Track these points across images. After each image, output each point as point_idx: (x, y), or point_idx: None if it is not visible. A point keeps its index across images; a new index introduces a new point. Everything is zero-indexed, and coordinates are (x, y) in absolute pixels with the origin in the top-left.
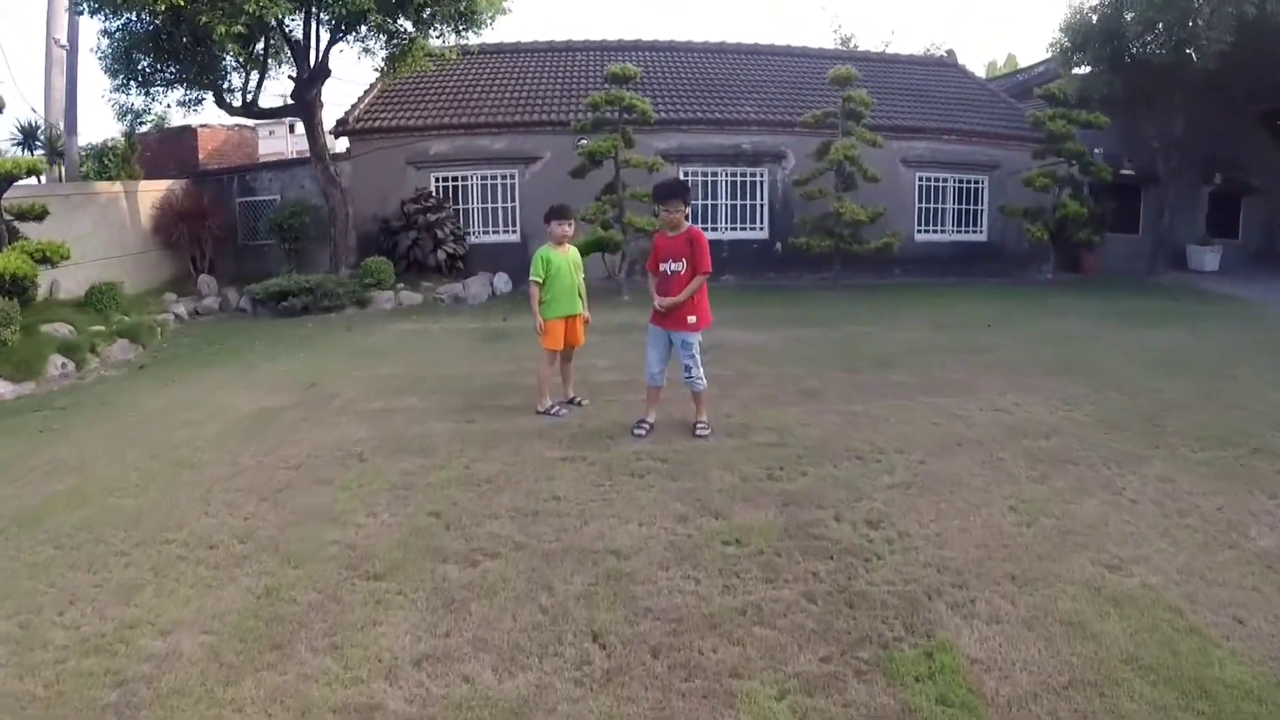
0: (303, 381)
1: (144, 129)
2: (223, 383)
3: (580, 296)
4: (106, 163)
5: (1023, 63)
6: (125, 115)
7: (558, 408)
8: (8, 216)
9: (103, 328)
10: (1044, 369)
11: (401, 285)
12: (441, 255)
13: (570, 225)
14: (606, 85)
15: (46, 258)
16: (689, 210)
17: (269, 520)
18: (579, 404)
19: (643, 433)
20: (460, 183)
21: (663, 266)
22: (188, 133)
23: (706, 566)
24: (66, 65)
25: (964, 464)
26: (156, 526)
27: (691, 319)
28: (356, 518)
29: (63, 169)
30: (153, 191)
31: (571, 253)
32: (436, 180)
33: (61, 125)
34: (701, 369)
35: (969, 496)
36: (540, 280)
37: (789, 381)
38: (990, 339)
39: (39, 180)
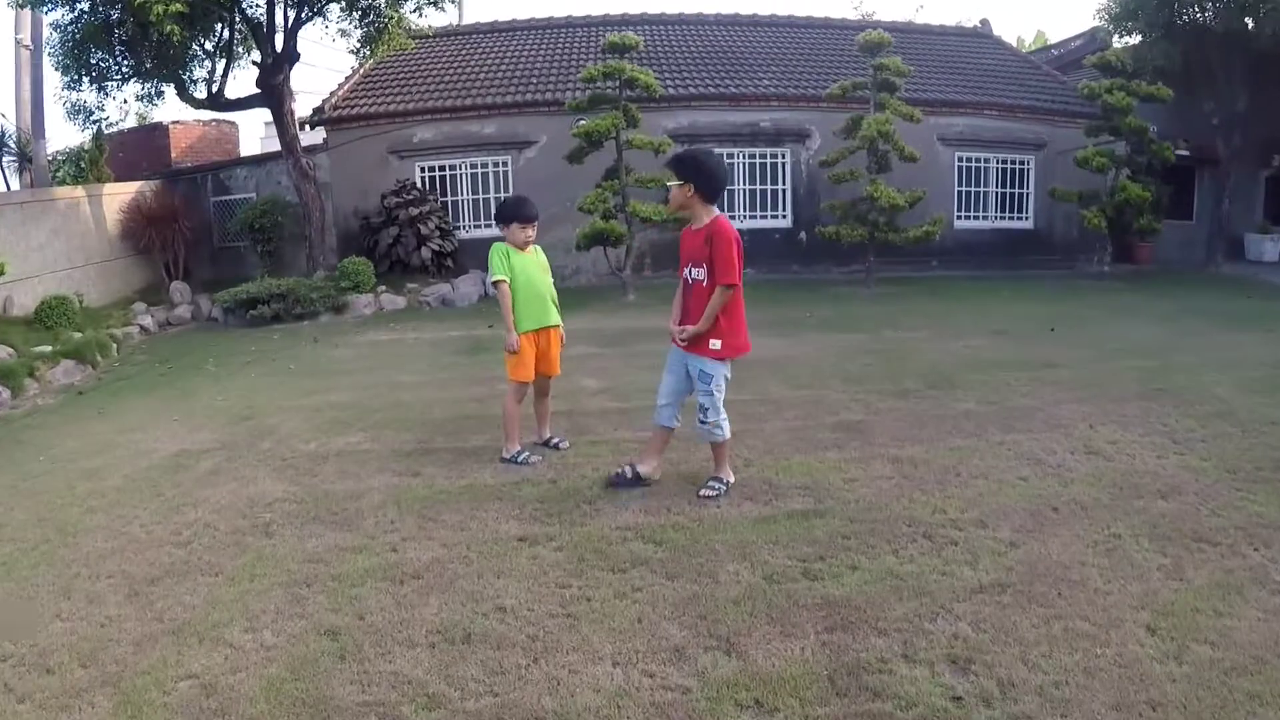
0: (238, 413)
1: (96, 128)
2: (153, 414)
3: (554, 304)
4: (83, 167)
5: (1053, 39)
6: (77, 114)
7: (528, 454)
8: None
9: (49, 348)
10: (1133, 390)
11: (383, 288)
12: (426, 253)
13: (533, 229)
14: (605, 57)
15: None
16: (699, 191)
17: (127, 630)
18: (556, 446)
19: (623, 476)
20: (448, 172)
21: (684, 272)
22: (159, 130)
23: None
24: (31, 66)
25: (1068, 544)
26: None
27: (714, 343)
28: (232, 633)
29: (30, 177)
30: (120, 194)
31: (538, 254)
32: (422, 170)
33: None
34: (723, 413)
35: (1087, 606)
36: (505, 278)
37: (824, 410)
38: (1058, 348)
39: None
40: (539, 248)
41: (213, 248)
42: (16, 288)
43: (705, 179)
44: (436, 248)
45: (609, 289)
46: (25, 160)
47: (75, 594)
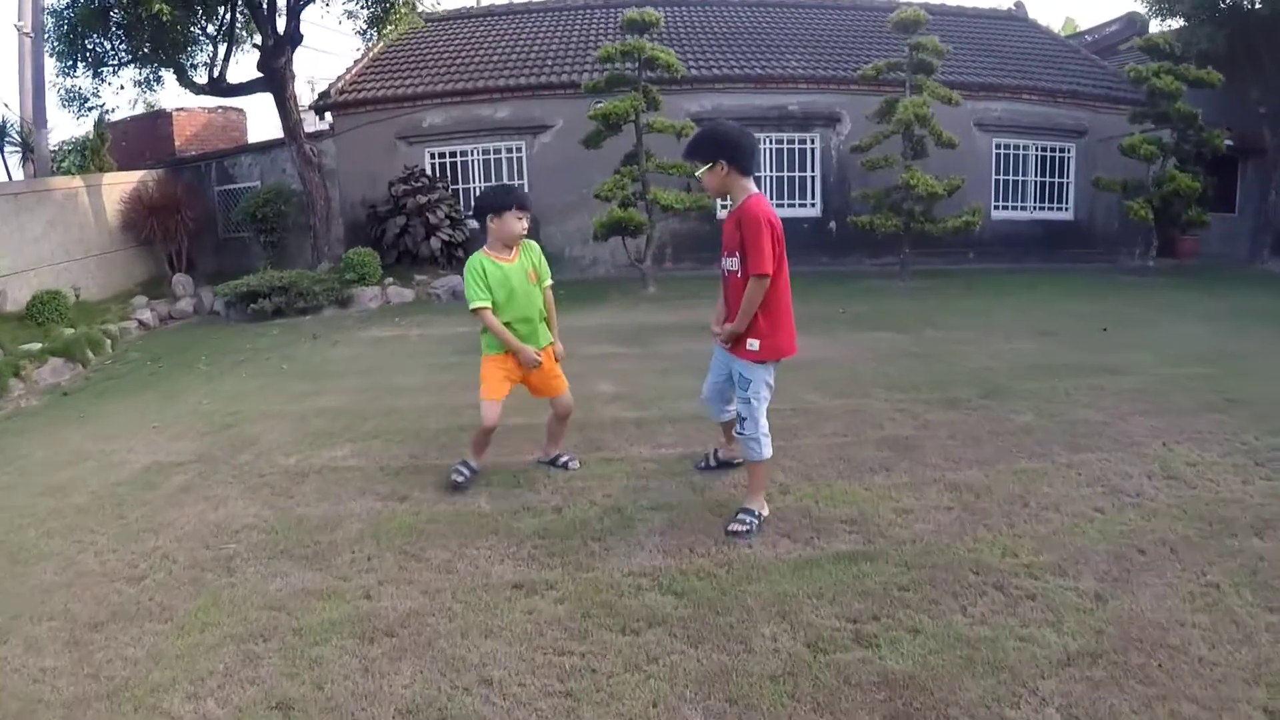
0: (220, 420)
1: (98, 117)
2: (133, 420)
3: (544, 320)
4: (86, 157)
5: (1082, 26)
6: (71, 101)
7: (467, 473)
8: None
9: (37, 345)
10: (1201, 401)
11: (390, 280)
12: (435, 243)
13: (524, 221)
14: (623, 36)
15: None
16: (733, 166)
17: (60, 689)
18: (565, 466)
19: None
20: (460, 159)
21: (723, 261)
22: (163, 118)
23: None
24: (33, 53)
25: (1161, 597)
26: None
27: (751, 343)
28: (172, 700)
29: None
30: (121, 184)
31: (529, 252)
32: (432, 157)
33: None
34: (764, 427)
35: (1192, 680)
36: (487, 304)
37: (867, 422)
38: (1114, 351)
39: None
40: (532, 244)
41: (217, 238)
42: (11, 282)
43: (733, 150)
44: (446, 237)
45: (628, 281)
46: (28, 150)
47: (13, 638)
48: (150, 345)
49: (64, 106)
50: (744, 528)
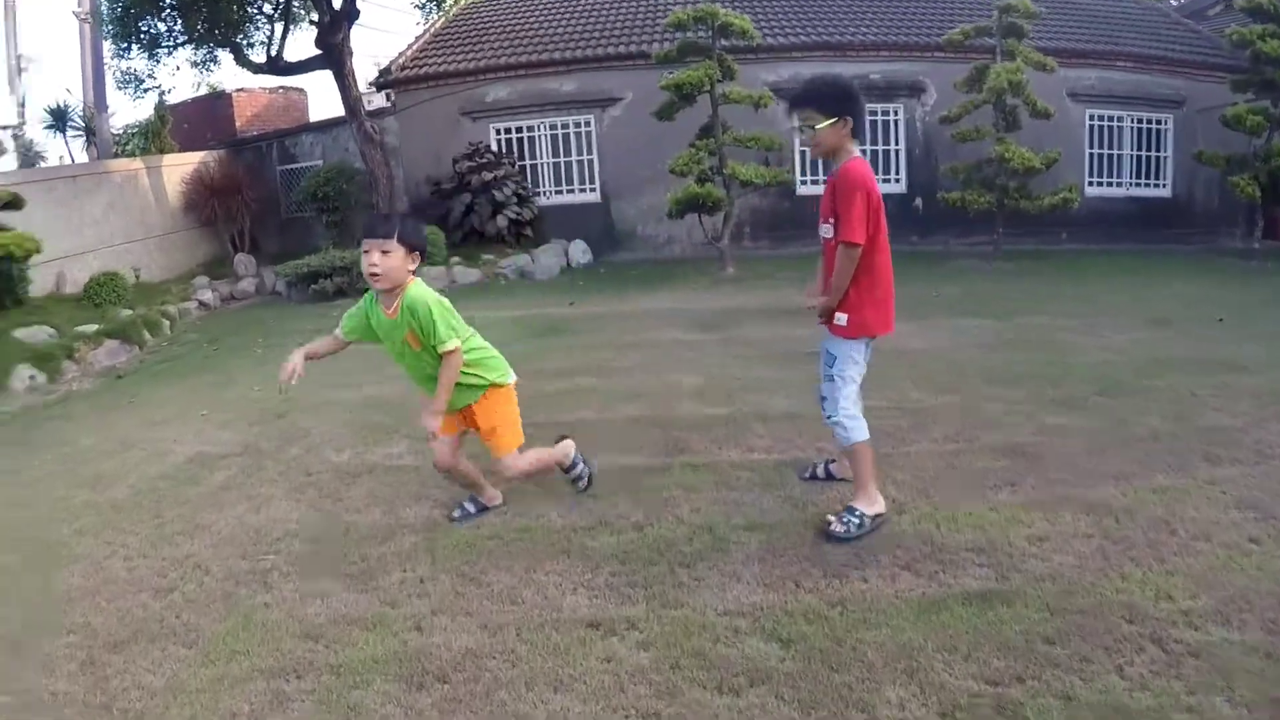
0: (272, 408)
1: (159, 99)
2: (183, 406)
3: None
4: (148, 140)
5: None
6: (127, 82)
7: (583, 467)
8: None
9: (94, 327)
10: None
11: (456, 259)
12: (502, 221)
13: (372, 255)
14: (694, 1)
15: (10, 254)
16: (843, 127)
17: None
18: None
19: (846, 529)
20: (526, 134)
21: (820, 229)
22: (223, 99)
23: None
24: (91, 39)
25: None
26: None
27: (840, 317)
28: None
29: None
30: (182, 165)
31: (403, 315)
32: (497, 132)
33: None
34: (853, 406)
35: None
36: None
37: (980, 425)
38: (1234, 344)
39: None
40: (418, 302)
41: (280, 218)
42: (70, 264)
43: (857, 106)
44: (514, 215)
45: (704, 261)
46: (90, 134)
47: (28, 652)
48: (209, 326)
49: (120, 88)
50: (844, 529)
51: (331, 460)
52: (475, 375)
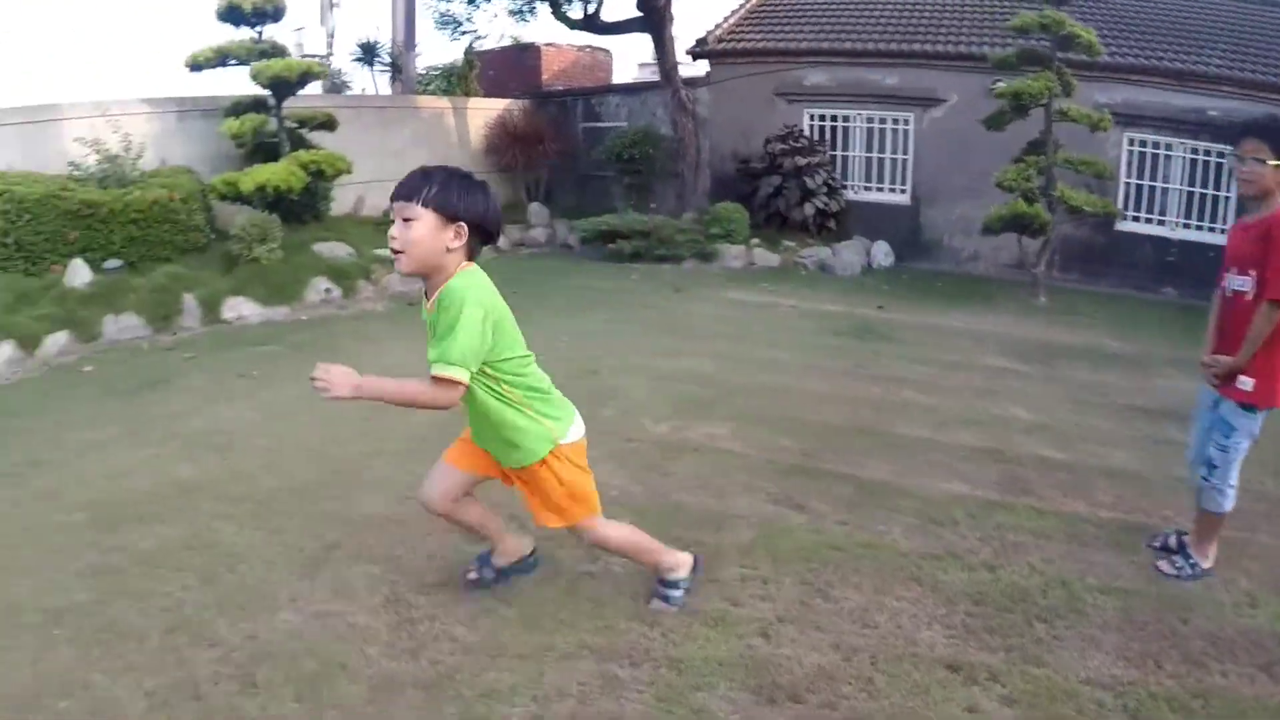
0: (579, 365)
1: (469, 43)
2: None
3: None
4: (452, 81)
5: None
6: (445, 24)
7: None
8: (290, 124)
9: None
10: None
11: (756, 241)
12: (809, 210)
13: (394, 227)
14: (1039, 5)
15: (322, 171)
16: None
17: (369, 657)
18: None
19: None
20: (840, 124)
21: (1225, 280)
22: (531, 51)
23: None
24: None
25: None
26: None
27: (1245, 382)
28: (497, 712)
29: (402, 86)
30: (487, 110)
31: (437, 306)
32: (811, 118)
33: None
34: (1233, 478)
35: None
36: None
37: None
38: None
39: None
40: (452, 290)
41: (576, 174)
42: (370, 189)
43: None
44: (821, 205)
45: (1011, 284)
46: (396, 71)
47: (323, 577)
48: (502, 269)
49: (439, 29)
50: (1175, 572)
51: (650, 430)
52: (514, 432)
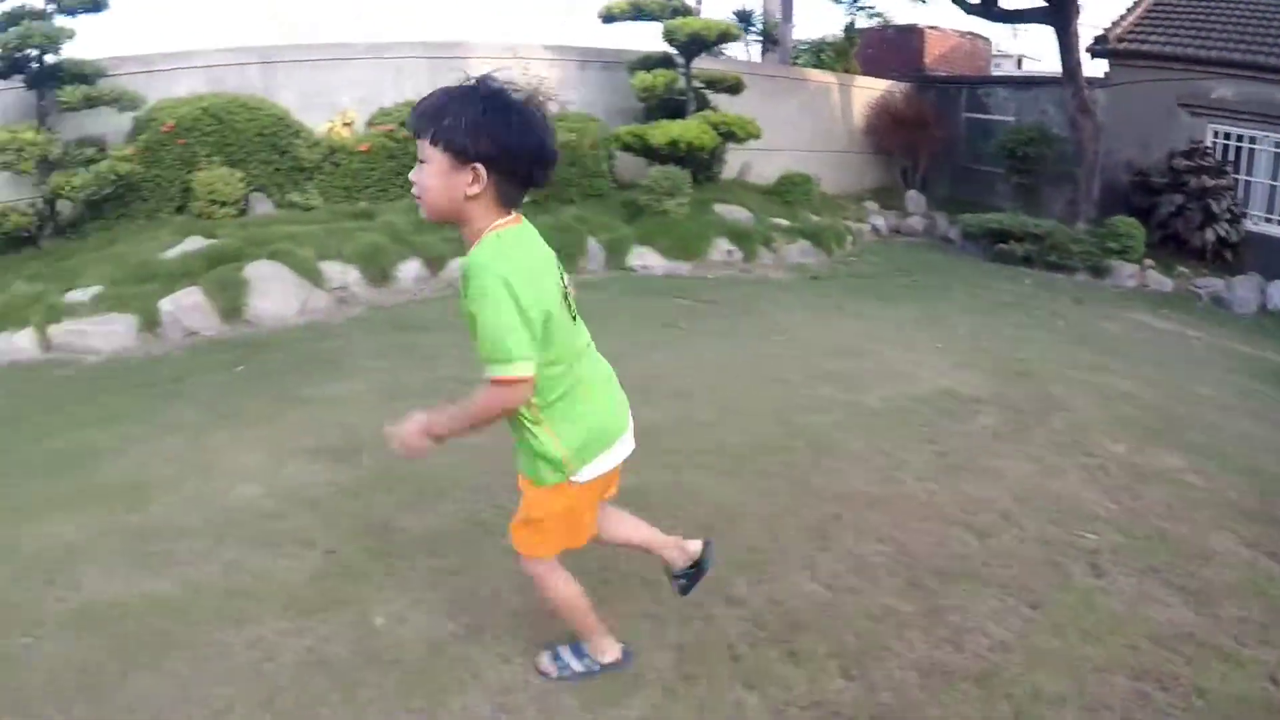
0: (1008, 362)
1: (861, 19)
2: (900, 329)
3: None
4: (823, 58)
5: None
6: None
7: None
8: (697, 83)
9: (785, 222)
10: None
11: (1149, 262)
12: (1209, 236)
13: (420, 160)
14: None
15: (732, 133)
16: None
17: (908, 641)
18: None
19: None
20: (1245, 145)
21: None
22: (913, 33)
23: None
24: None
25: None
26: None
27: None
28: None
29: (775, 57)
30: (868, 90)
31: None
32: (1215, 135)
33: (778, 13)
34: None
35: None
36: (530, 369)
37: None
38: None
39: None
40: (467, 263)
41: (954, 164)
42: (757, 156)
43: None
44: (1222, 232)
45: None
46: (770, 42)
47: (831, 544)
48: (888, 255)
49: (836, 1)
50: None
51: (1108, 449)
52: (533, 433)
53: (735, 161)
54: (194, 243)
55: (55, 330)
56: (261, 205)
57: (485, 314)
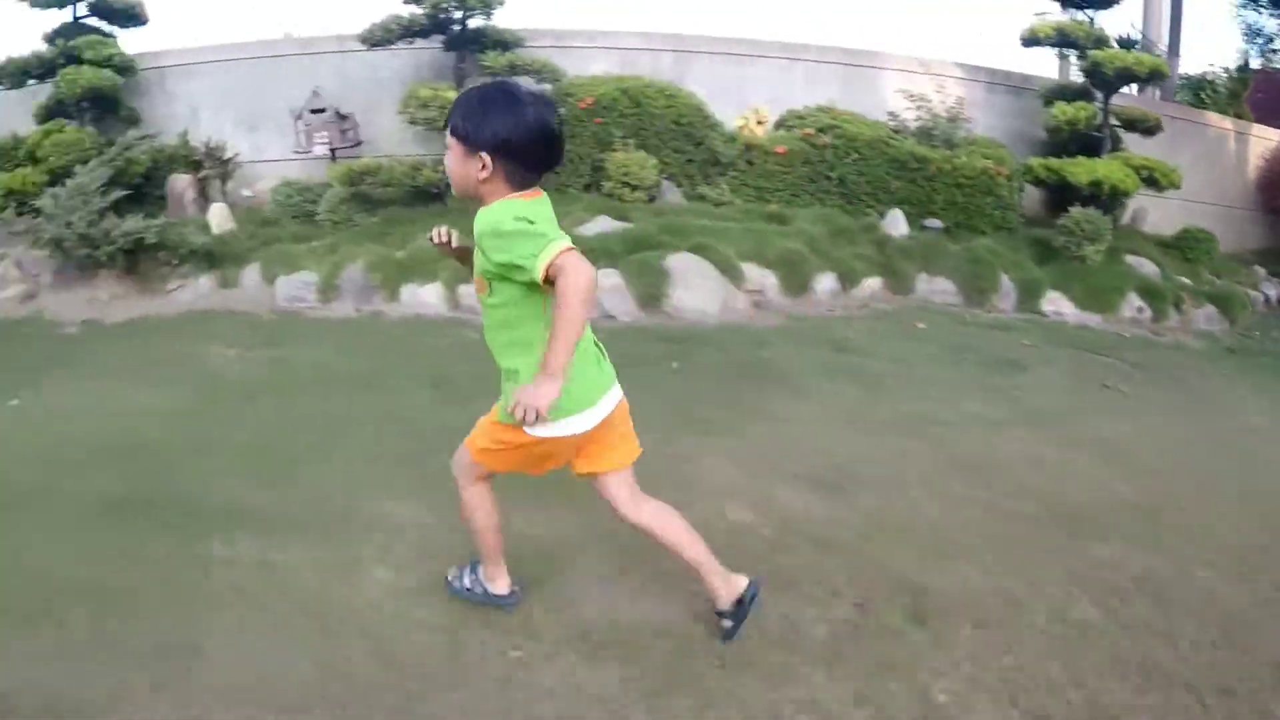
0: None
1: (1243, 60)
2: None
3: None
4: (1203, 97)
5: None
6: (1254, 37)
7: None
8: (1114, 121)
9: (1189, 282)
10: None
11: None
12: None
13: (447, 147)
14: None
15: (1154, 179)
16: None
17: None
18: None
19: None
20: None
21: None
22: None
23: None
24: None
25: None
26: None
27: None
28: None
29: (1153, 93)
30: (1264, 140)
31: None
32: None
33: (1163, 44)
34: None
35: None
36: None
37: None
38: None
39: (1157, 89)
40: (481, 215)
41: None
42: (1153, 204)
43: None
44: None
45: None
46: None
47: None
48: None
49: (1247, 41)
50: None
51: None
52: (514, 373)
53: (1127, 208)
54: (606, 223)
55: (465, 290)
56: (670, 194)
57: (509, 240)
